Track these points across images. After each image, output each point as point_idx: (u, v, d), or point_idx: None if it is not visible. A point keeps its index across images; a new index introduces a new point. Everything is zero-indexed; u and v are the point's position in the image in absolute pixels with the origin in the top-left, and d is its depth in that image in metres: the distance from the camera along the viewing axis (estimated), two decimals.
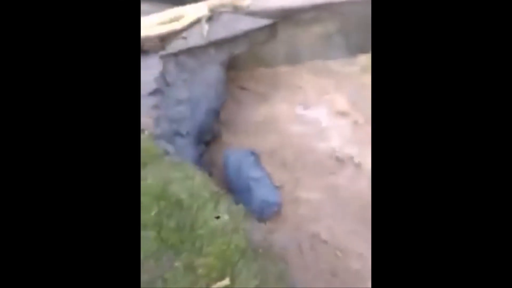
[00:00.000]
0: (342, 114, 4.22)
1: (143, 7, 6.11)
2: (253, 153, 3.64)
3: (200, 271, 1.39)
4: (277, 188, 3.29)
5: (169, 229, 1.55)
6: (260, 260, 1.43)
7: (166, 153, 2.08)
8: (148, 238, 1.53)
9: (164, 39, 4.05)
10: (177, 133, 2.69)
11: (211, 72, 3.64)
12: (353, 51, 5.13)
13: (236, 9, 5.16)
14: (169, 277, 1.37)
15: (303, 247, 2.14)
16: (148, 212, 1.65)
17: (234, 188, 3.30)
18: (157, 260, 1.44)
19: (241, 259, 1.43)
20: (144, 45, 3.84)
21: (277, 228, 2.43)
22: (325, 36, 5.44)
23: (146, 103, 2.66)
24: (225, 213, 1.61)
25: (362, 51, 5.04)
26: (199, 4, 4.94)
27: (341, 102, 4.39)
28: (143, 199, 1.73)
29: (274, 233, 2.32)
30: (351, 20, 5.24)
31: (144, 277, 1.39)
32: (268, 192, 3.14)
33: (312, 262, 1.76)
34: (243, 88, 4.67)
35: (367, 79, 4.49)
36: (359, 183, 3.19)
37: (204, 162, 3.19)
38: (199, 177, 1.86)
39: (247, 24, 4.20)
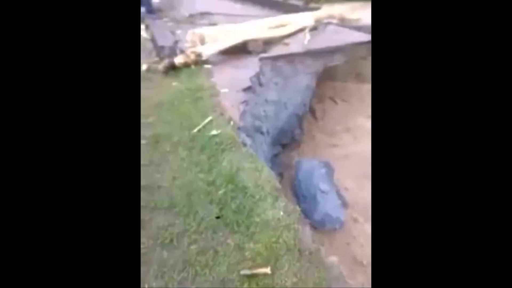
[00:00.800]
0: None
1: (256, 11, 6.61)
2: (326, 165, 3.63)
3: (247, 253, 1.52)
4: (343, 206, 3.22)
5: (230, 209, 1.72)
6: (304, 261, 1.48)
7: (244, 144, 2.28)
8: (212, 212, 1.74)
9: (268, 42, 4.35)
10: (258, 130, 2.89)
11: (303, 80, 3.75)
12: None
13: (344, 22, 5.17)
14: (220, 251, 1.54)
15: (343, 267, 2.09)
16: (217, 190, 1.86)
17: (301, 195, 3.34)
18: (213, 233, 1.62)
19: (286, 255, 1.50)
20: (248, 47, 4.20)
21: (330, 242, 2.41)
22: None
23: (238, 97, 2.93)
24: (281, 209, 1.70)
25: None
26: (307, 13, 5.12)
27: None
28: (217, 178, 1.96)
29: (326, 244, 2.31)
30: None
31: (200, 244, 1.59)
32: (333, 208, 3.10)
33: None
34: (333, 100, 4.68)
35: None
36: None
37: (277, 162, 3.33)
38: (266, 172, 2.00)
39: (348, 37, 4.18)
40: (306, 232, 1.60)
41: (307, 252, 1.51)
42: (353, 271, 2.17)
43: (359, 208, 3.18)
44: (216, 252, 1.54)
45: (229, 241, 1.58)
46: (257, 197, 1.80)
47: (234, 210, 1.74)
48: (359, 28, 4.70)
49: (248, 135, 2.49)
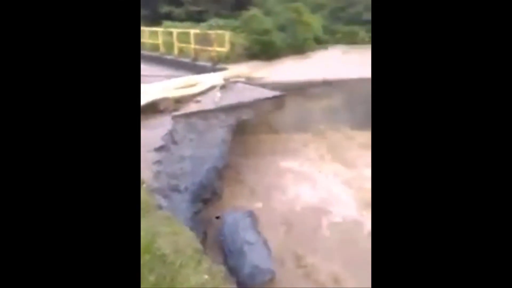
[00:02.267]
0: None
1: (165, 71, 6.72)
2: (250, 215, 3.63)
3: None
4: (270, 254, 3.20)
5: (148, 283, 1.54)
6: None
7: (159, 207, 2.14)
8: None
9: (179, 101, 4.43)
10: (175, 189, 2.78)
11: (218, 134, 3.86)
12: (355, 125, 5.41)
13: (250, 80, 5.66)
14: None
15: None
16: None
17: (228, 251, 3.22)
18: None
19: None
20: (160, 106, 4.19)
21: None
22: (330, 110, 5.80)
23: (150, 158, 2.81)
24: (205, 273, 1.60)
25: (364, 127, 5.30)
26: (216, 73, 5.47)
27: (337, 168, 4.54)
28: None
29: None
30: (356, 96, 5.63)
31: None
32: (261, 258, 3.05)
33: None
34: (249, 152, 4.88)
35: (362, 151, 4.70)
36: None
37: (200, 220, 3.20)
38: (185, 234, 1.88)
39: (256, 94, 4.57)
40: None
41: None
42: None
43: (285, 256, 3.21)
44: None
45: None
46: (178, 263, 1.66)
47: (153, 283, 1.56)
48: (263, 85, 5.19)
49: (164, 196, 2.37)
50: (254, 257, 3.00)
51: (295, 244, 3.37)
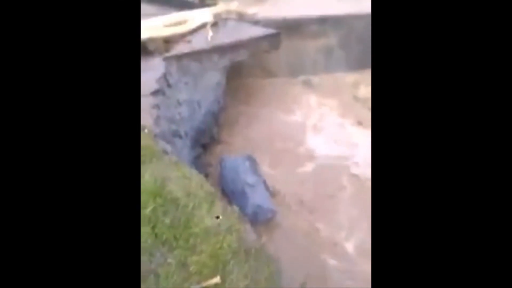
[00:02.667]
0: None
1: (149, 9, 6.20)
2: (249, 159, 3.68)
3: (193, 268, 1.41)
4: (272, 195, 3.32)
5: (164, 226, 1.57)
6: (252, 260, 1.46)
7: (165, 152, 2.11)
8: (142, 233, 1.56)
9: (168, 41, 4.12)
10: (176, 134, 2.72)
11: (212, 76, 3.70)
12: (352, 65, 5.26)
13: (242, 17, 5.26)
14: (162, 273, 1.39)
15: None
16: (144, 208, 1.67)
17: (229, 192, 3.32)
18: (150, 256, 1.46)
19: (233, 259, 1.46)
20: (149, 46, 3.90)
21: (270, 232, 2.46)
22: (326, 49, 5.57)
23: (148, 102, 2.69)
24: (219, 213, 1.63)
25: (362, 65, 5.16)
26: (205, 9, 5.04)
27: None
28: (140, 196, 1.76)
29: (265, 237, 2.35)
30: (352, 34, 5.38)
31: None
32: (263, 199, 3.18)
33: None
34: (243, 97, 4.75)
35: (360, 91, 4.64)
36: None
37: (201, 164, 3.22)
38: (195, 177, 1.89)
39: (250, 32, 4.28)
40: (248, 231, 1.57)
41: (253, 251, 1.49)
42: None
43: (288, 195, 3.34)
44: (157, 275, 1.39)
45: (169, 260, 1.45)
46: (191, 206, 1.68)
47: (168, 225, 1.59)
48: (256, 22, 4.85)
49: (167, 142, 2.32)
50: (256, 198, 3.12)
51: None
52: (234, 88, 4.45)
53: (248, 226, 1.61)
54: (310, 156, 3.78)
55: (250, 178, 3.30)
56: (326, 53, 5.49)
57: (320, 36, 5.65)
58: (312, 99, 4.83)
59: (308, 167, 3.67)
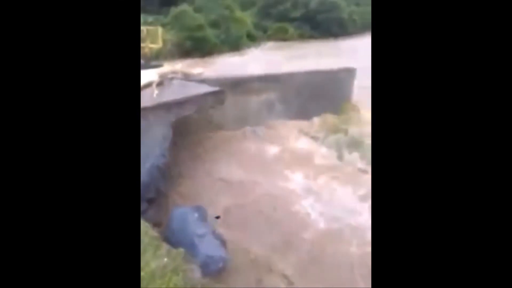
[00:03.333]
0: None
1: None
2: (198, 210, 3.64)
3: None
4: (222, 244, 3.28)
5: None
6: None
7: None
8: None
9: None
10: None
11: (158, 131, 3.78)
12: (291, 116, 5.78)
13: (187, 77, 5.60)
14: None
15: None
16: None
17: (179, 245, 3.20)
18: None
19: None
20: None
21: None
22: (268, 103, 6.08)
23: None
24: (164, 256, 1.63)
25: (300, 116, 5.68)
26: (150, 70, 5.30)
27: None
28: None
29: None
30: (290, 90, 6.00)
31: None
32: (213, 248, 3.11)
33: None
34: (191, 150, 4.85)
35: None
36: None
37: (147, 219, 3.12)
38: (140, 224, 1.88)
39: (195, 90, 4.56)
40: (194, 269, 1.59)
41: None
42: None
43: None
44: None
45: None
46: None
47: None
48: (202, 81, 5.20)
49: None
50: (206, 248, 3.05)
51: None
52: (182, 141, 4.55)
53: (194, 266, 1.62)
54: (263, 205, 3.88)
55: (199, 229, 3.25)
56: (267, 106, 6.00)
57: (262, 92, 6.20)
58: (257, 147, 5.11)
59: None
